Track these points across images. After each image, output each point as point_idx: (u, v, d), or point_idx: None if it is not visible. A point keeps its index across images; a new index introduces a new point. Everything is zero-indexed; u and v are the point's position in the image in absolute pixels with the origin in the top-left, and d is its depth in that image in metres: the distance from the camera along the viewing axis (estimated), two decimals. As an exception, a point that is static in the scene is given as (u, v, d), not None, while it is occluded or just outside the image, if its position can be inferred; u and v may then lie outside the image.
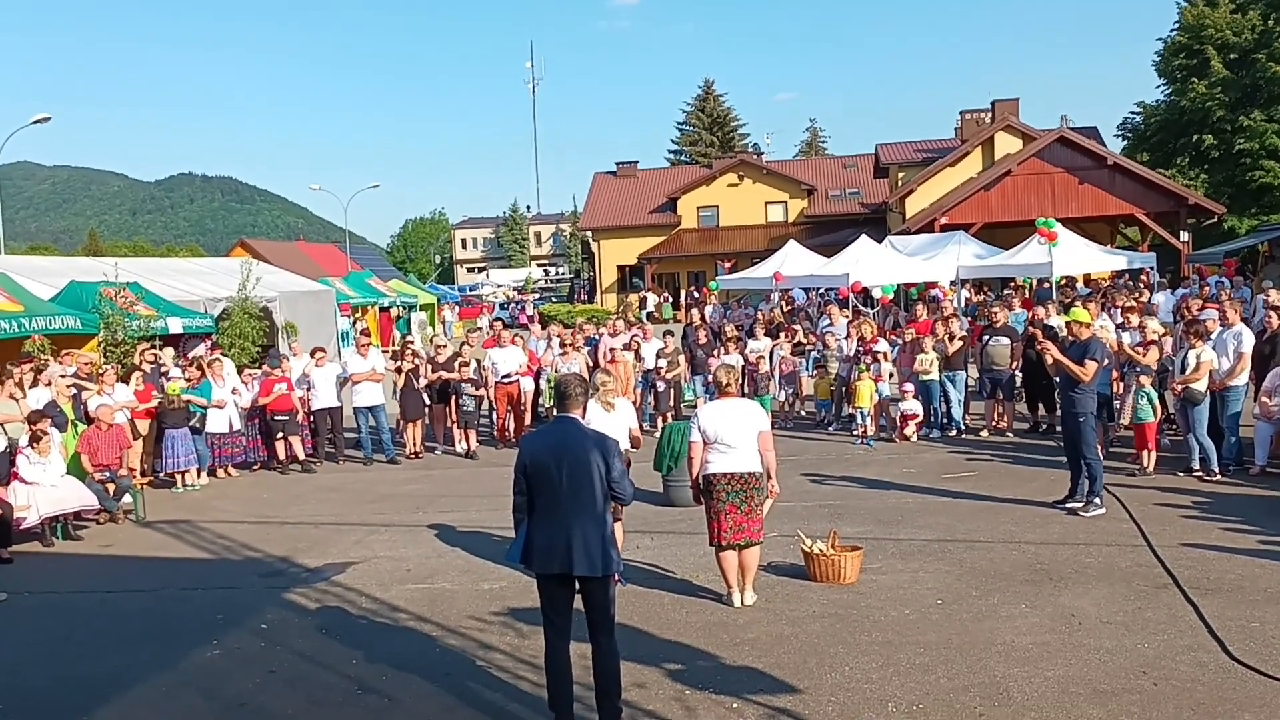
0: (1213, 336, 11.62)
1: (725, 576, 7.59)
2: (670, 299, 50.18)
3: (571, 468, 5.50)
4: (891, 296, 24.04)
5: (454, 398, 15.40)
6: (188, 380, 13.95)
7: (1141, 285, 23.99)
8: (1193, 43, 42.80)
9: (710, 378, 8.70)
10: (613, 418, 7.96)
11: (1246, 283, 23.64)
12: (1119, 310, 15.74)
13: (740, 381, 15.74)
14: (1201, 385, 11.05)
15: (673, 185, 54.36)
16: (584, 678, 5.71)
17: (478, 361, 15.91)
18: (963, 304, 23.75)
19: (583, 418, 5.89)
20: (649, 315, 42.25)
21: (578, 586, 5.59)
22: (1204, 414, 11.05)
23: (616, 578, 5.62)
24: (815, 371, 16.35)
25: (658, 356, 15.98)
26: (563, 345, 15.95)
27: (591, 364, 16.11)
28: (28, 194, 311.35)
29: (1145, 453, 11.35)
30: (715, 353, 16.41)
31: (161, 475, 13.71)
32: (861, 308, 23.98)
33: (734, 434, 7.40)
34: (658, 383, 15.69)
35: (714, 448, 7.45)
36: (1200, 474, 10.95)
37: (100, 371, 13.30)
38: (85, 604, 8.72)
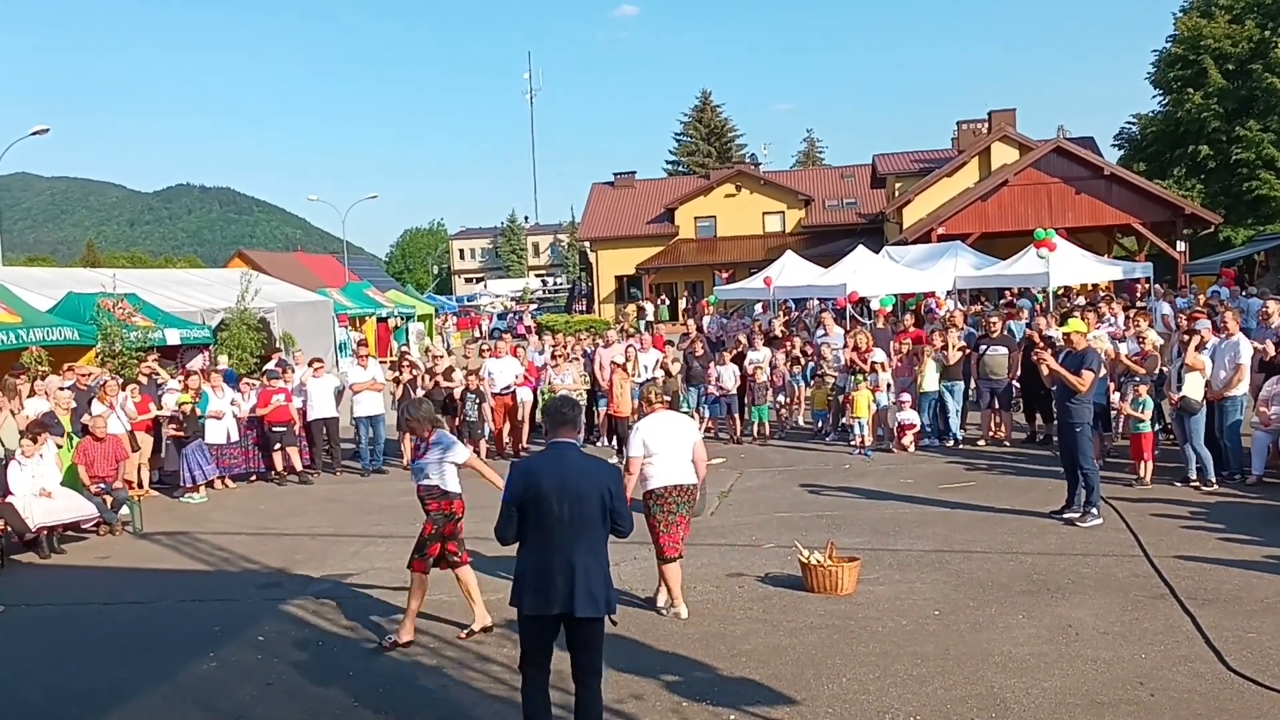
0: (1209, 345, 11.65)
1: (671, 588, 7.68)
2: (668, 301, 50.45)
3: (574, 499, 5.08)
4: (890, 309, 24.06)
5: (460, 407, 15.39)
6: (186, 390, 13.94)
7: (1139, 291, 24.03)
8: (1189, 53, 42.96)
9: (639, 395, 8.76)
10: None
11: (1244, 292, 23.67)
12: (1121, 318, 15.79)
13: (736, 392, 15.96)
14: (1197, 395, 11.07)
15: (670, 196, 54.45)
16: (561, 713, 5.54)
17: (475, 374, 15.88)
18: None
19: (577, 439, 5.46)
20: (648, 325, 42.29)
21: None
22: (1200, 423, 11.07)
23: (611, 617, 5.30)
24: (813, 381, 16.36)
25: (655, 367, 15.95)
26: (554, 357, 15.91)
27: (587, 375, 16.12)
28: (26, 205, 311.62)
29: (1142, 463, 11.36)
30: (719, 357, 16.41)
31: (184, 486, 13.61)
32: (859, 318, 24.01)
33: (669, 448, 7.62)
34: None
35: (656, 461, 7.58)
36: (1197, 484, 10.96)
37: (102, 382, 13.29)
38: (82, 615, 8.70)
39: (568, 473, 5.15)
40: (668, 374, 15.85)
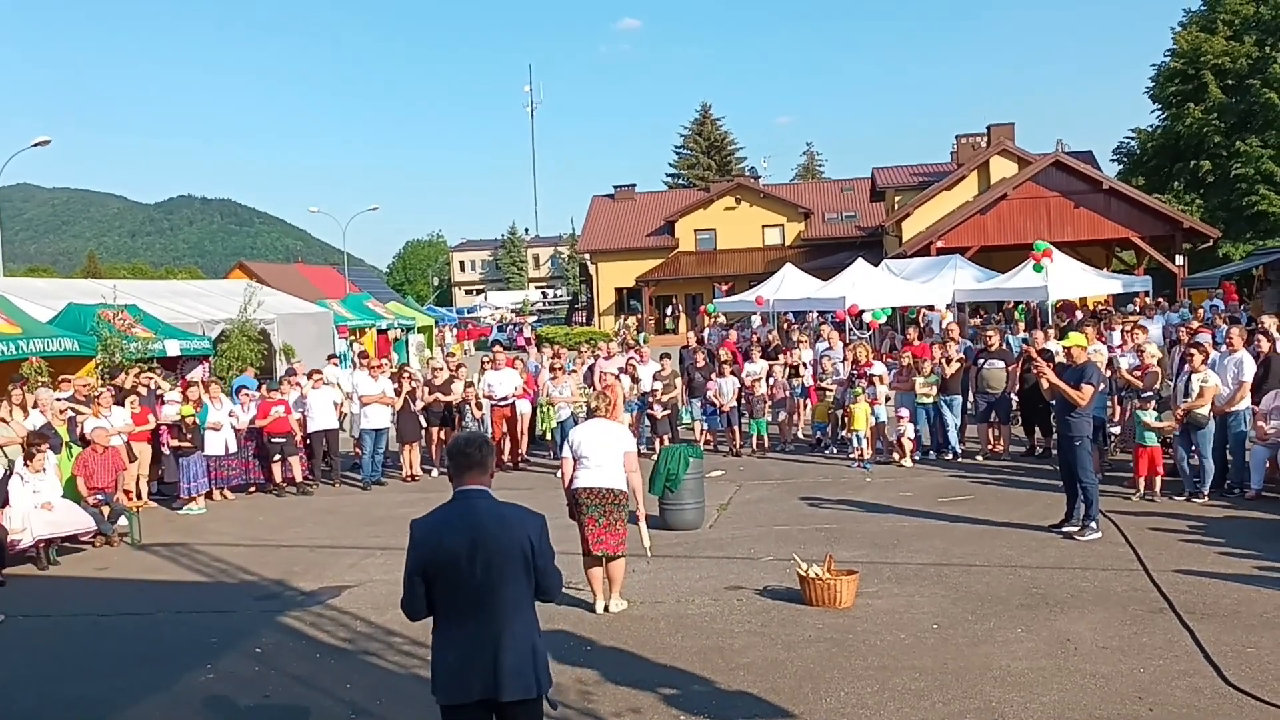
0: (1211, 357, 11.65)
1: (591, 586, 8.15)
2: (676, 312, 50.84)
3: (489, 556, 4.18)
4: (882, 321, 24.10)
5: (457, 419, 15.41)
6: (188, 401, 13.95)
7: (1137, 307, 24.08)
8: (1188, 68, 43.10)
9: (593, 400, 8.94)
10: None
11: (1243, 307, 23.72)
12: (1118, 333, 15.78)
13: (738, 404, 15.96)
14: (1204, 409, 11.08)
15: (670, 208, 54.60)
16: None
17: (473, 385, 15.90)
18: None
19: (490, 485, 4.47)
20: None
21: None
22: (1209, 437, 11.09)
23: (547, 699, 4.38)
24: (806, 394, 16.38)
25: (654, 379, 15.98)
26: (551, 370, 15.90)
27: (586, 387, 16.12)
28: (27, 216, 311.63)
29: (1143, 478, 11.31)
30: (719, 369, 16.43)
31: (181, 497, 13.58)
32: (857, 330, 24.02)
33: (596, 452, 7.99)
34: (655, 406, 15.68)
35: (580, 464, 8.05)
36: (1196, 497, 10.96)
37: (96, 394, 13.29)
38: (79, 627, 8.69)
39: (479, 526, 4.24)
40: (666, 386, 15.87)
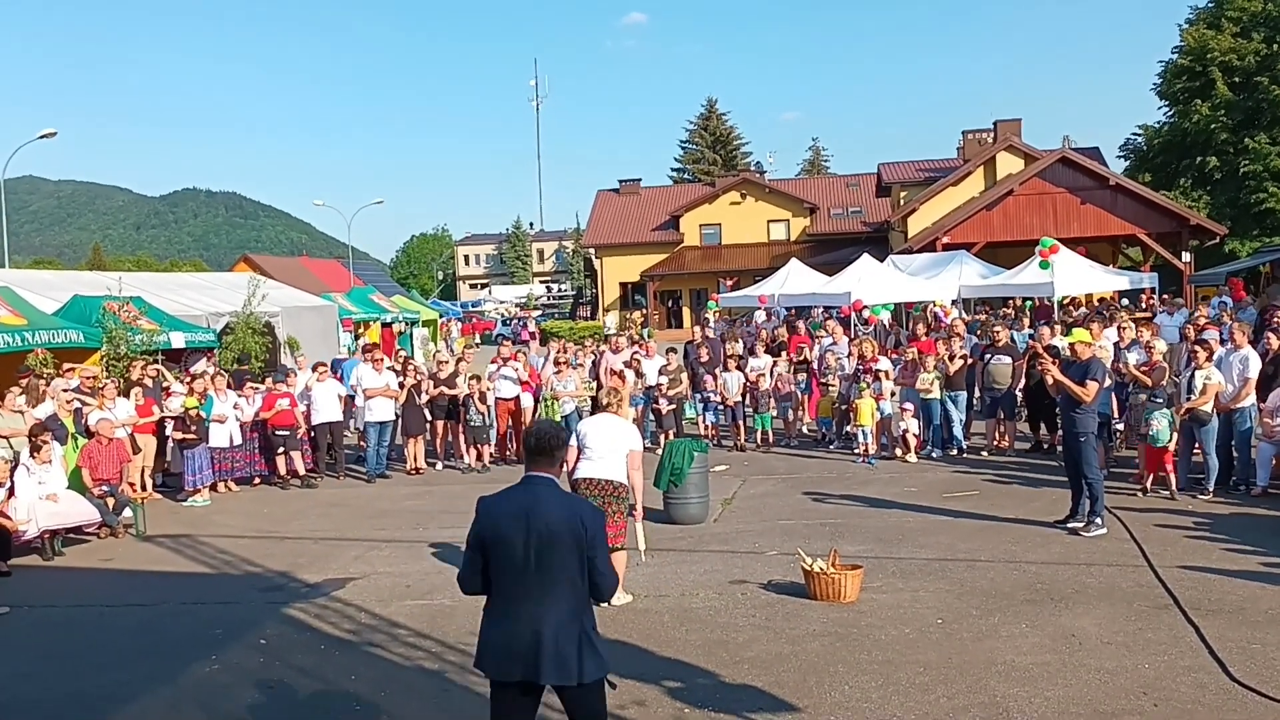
0: (1217, 354, 11.63)
1: None
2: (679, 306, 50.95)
3: (543, 542, 4.30)
4: (881, 317, 24.07)
5: (462, 413, 15.41)
6: (193, 393, 13.97)
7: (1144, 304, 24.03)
8: (1195, 65, 42.95)
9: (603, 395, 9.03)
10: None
11: (1252, 303, 23.65)
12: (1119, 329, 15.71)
13: (741, 399, 15.96)
14: (1208, 406, 11.06)
15: (675, 203, 54.52)
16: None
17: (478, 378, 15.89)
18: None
19: (558, 476, 4.60)
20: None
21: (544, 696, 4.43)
22: (1212, 433, 11.07)
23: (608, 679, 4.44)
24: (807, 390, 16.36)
25: (659, 374, 15.97)
26: (556, 364, 15.89)
27: (593, 381, 16.13)
28: (33, 208, 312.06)
29: (1152, 474, 11.27)
30: (724, 363, 16.41)
31: (186, 489, 13.60)
32: (862, 326, 23.98)
33: (600, 445, 8.12)
34: (660, 400, 15.67)
35: (583, 454, 8.17)
36: (1201, 494, 10.94)
37: (101, 386, 13.31)
38: (84, 618, 8.71)
39: (536, 511, 4.35)
40: (672, 381, 15.86)
